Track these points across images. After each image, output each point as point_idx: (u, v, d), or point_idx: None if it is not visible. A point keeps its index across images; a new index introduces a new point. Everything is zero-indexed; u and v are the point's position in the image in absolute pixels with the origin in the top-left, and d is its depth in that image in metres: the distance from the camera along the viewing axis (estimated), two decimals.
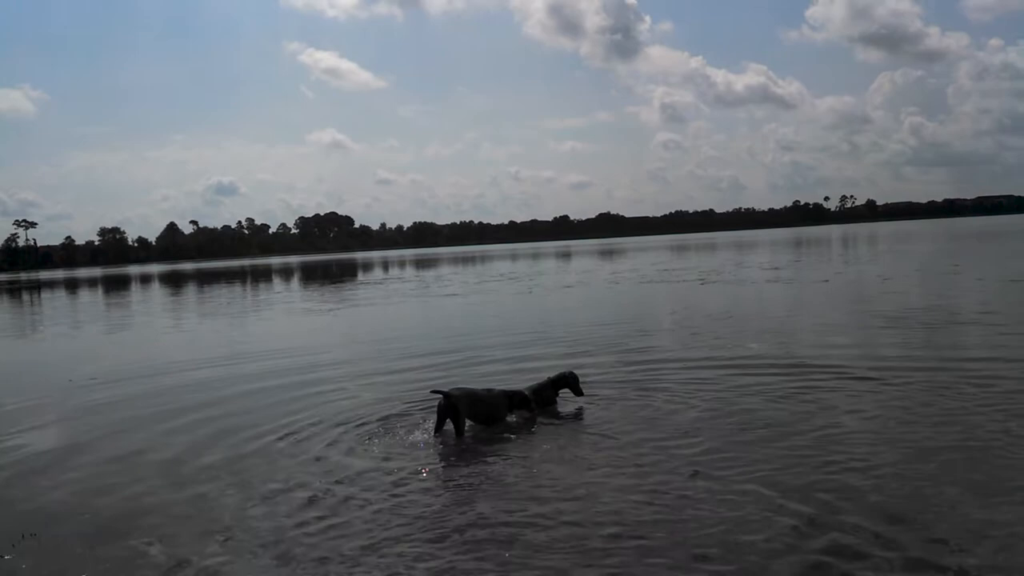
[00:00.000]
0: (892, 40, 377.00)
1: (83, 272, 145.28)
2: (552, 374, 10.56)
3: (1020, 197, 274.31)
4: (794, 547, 5.69)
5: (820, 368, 11.85)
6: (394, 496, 7.15)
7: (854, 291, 26.08)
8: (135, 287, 65.69)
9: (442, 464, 8.20)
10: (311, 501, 7.11)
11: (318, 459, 8.43)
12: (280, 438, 9.38)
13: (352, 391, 12.19)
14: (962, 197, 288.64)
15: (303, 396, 11.86)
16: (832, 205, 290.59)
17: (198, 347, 19.75)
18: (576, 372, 10.60)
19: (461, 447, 8.71)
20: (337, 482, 7.58)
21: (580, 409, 10.06)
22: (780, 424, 8.85)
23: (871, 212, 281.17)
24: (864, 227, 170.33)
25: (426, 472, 7.88)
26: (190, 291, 52.76)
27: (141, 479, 8.16)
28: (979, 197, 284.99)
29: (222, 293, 46.93)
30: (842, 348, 13.75)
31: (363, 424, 9.78)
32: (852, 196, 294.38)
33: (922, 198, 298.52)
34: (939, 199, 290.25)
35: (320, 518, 6.69)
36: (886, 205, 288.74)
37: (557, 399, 10.36)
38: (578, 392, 10.32)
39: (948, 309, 18.99)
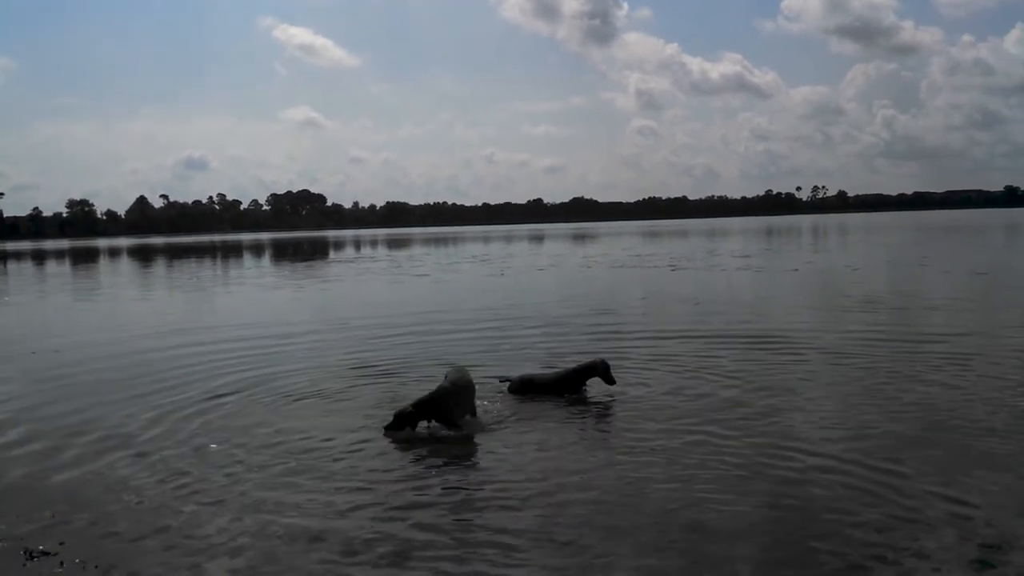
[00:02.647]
0: (866, 33, 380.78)
1: (50, 244, 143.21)
2: (582, 362, 10.10)
3: (988, 192, 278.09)
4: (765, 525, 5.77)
5: (783, 342, 12.10)
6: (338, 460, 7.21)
7: (823, 280, 26.33)
8: (103, 261, 64.89)
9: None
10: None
11: (272, 428, 8.46)
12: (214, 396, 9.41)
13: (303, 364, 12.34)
14: (932, 190, 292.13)
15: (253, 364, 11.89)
16: (804, 195, 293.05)
17: (162, 321, 19.56)
18: (607, 361, 9.96)
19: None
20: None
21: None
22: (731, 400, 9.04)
23: (842, 203, 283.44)
24: (835, 218, 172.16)
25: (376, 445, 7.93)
26: (159, 266, 52.21)
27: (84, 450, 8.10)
28: (948, 191, 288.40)
29: (191, 269, 46.50)
30: (807, 328, 13.95)
31: (289, 395, 10.17)
32: (824, 187, 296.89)
33: (893, 190, 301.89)
34: (909, 192, 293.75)
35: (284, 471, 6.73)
36: (857, 196, 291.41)
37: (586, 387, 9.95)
38: (609, 381, 9.70)
39: (915, 297, 19.31)
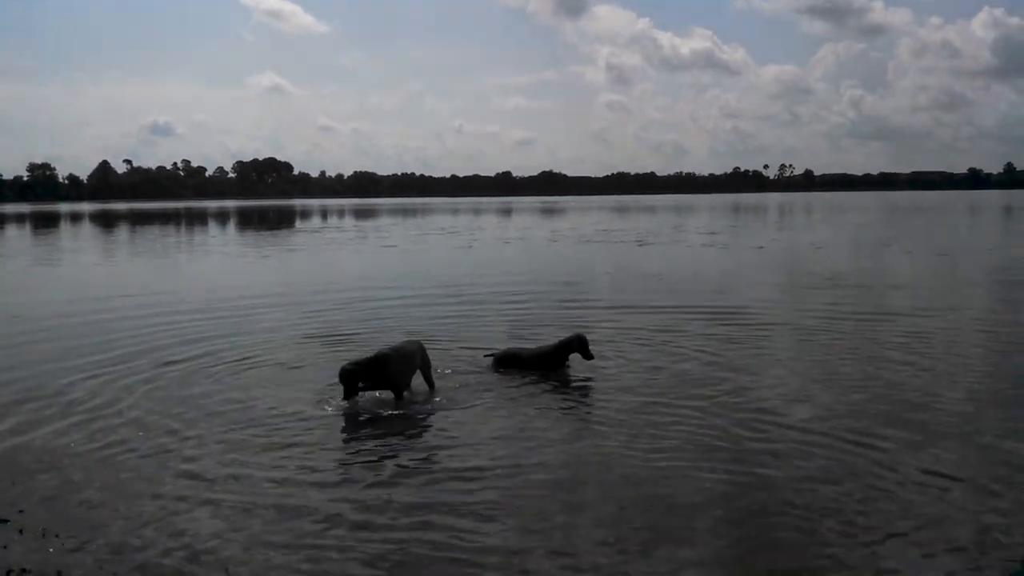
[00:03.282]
0: (836, 13, 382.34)
1: (10, 208, 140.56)
2: (562, 337, 10.01)
3: (952, 174, 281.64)
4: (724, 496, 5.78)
5: (748, 317, 12.19)
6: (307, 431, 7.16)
7: (788, 257, 26.53)
8: (65, 226, 63.78)
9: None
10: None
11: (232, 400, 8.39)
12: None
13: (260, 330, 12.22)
14: (897, 171, 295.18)
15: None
16: (771, 173, 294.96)
17: (118, 288, 19.28)
18: (585, 335, 9.87)
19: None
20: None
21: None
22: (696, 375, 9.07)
23: (809, 182, 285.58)
24: (801, 196, 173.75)
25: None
26: (121, 232, 51.45)
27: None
28: (914, 172, 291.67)
29: (153, 236, 45.89)
30: (771, 304, 14.04)
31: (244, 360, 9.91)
32: (791, 165, 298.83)
33: (859, 170, 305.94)
34: (875, 172, 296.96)
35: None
36: (823, 176, 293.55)
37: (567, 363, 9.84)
38: (587, 356, 9.61)
39: (878, 275, 19.53)
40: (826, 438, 7.04)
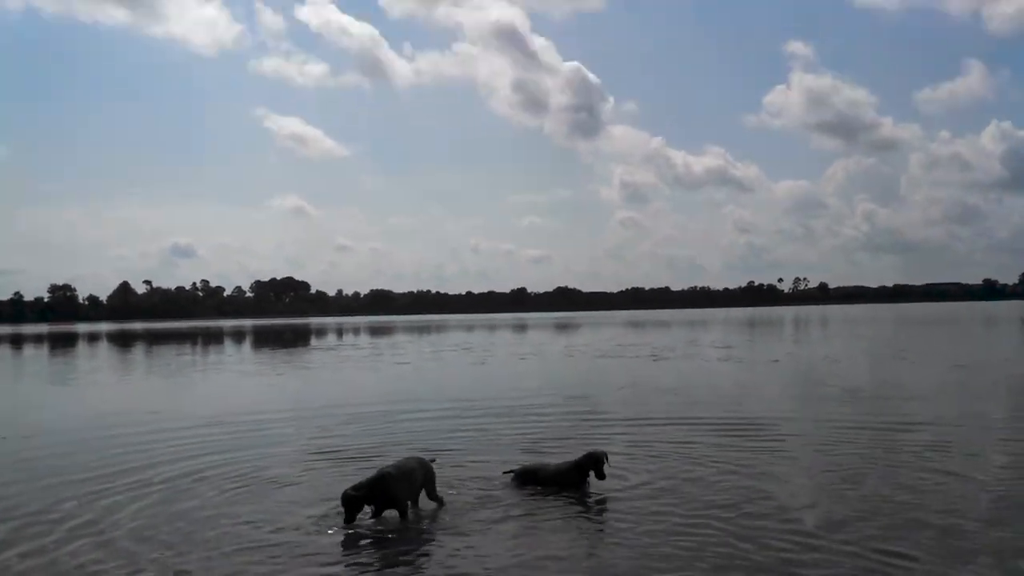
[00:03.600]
0: (847, 129, 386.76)
1: (29, 329, 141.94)
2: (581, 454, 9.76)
3: (967, 285, 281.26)
4: None
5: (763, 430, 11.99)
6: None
7: (803, 370, 26.32)
8: (81, 346, 64.22)
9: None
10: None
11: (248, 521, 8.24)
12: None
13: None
14: (911, 283, 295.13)
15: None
16: (786, 287, 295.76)
17: (129, 407, 19.28)
18: (603, 452, 9.66)
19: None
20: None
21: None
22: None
23: (823, 294, 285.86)
24: (816, 309, 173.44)
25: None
26: (137, 352, 51.75)
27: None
28: (928, 283, 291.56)
29: (169, 355, 46.12)
30: (787, 417, 13.84)
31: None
32: (806, 278, 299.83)
33: (873, 282, 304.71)
34: (889, 284, 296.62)
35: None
36: (838, 288, 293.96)
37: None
38: (599, 475, 9.39)
39: (894, 387, 19.33)
40: (851, 548, 6.92)
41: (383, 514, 8.31)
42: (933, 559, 6.76)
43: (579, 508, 8.70)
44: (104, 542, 7.74)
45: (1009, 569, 6.62)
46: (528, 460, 10.70)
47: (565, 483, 9.47)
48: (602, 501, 8.95)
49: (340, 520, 8.15)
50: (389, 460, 9.39)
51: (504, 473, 9.98)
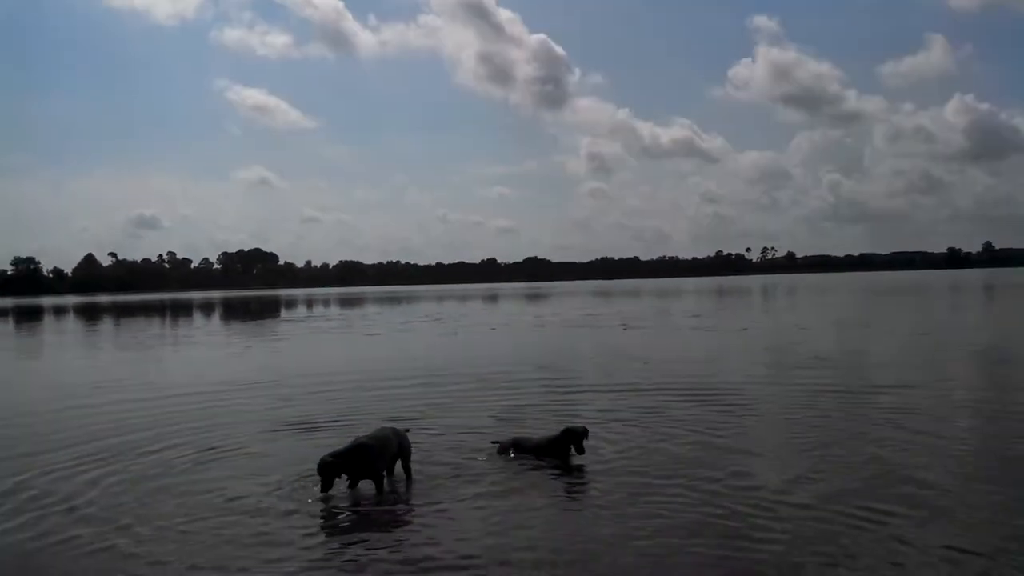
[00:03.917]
0: (812, 101, 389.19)
1: None
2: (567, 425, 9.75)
3: (931, 254, 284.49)
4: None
5: (733, 397, 12.13)
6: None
7: (772, 338, 26.55)
8: (47, 319, 63.32)
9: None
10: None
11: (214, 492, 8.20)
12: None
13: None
14: (877, 252, 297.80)
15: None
16: (754, 256, 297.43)
17: (94, 379, 19.07)
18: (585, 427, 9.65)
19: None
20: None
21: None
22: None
23: (790, 263, 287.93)
24: (784, 278, 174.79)
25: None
26: (104, 325, 51.10)
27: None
28: (893, 252, 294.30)
29: (136, 328, 45.60)
30: (757, 383, 14.00)
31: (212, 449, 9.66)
32: (773, 248, 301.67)
33: (839, 252, 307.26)
34: (855, 253, 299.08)
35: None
36: (805, 257, 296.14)
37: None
38: (578, 450, 9.37)
39: (860, 355, 19.57)
40: (828, 508, 7.05)
41: (358, 485, 8.28)
42: (910, 515, 6.88)
43: (551, 479, 8.70)
44: (46, 516, 7.65)
45: (982, 521, 6.77)
46: (501, 430, 10.74)
47: (547, 455, 9.47)
48: (573, 470, 8.97)
49: (307, 492, 8.12)
50: (360, 431, 9.35)
51: (491, 443, 10.01)
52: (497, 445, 9.89)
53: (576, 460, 9.27)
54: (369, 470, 8.23)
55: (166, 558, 6.46)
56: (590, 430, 9.73)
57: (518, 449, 9.68)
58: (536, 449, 9.60)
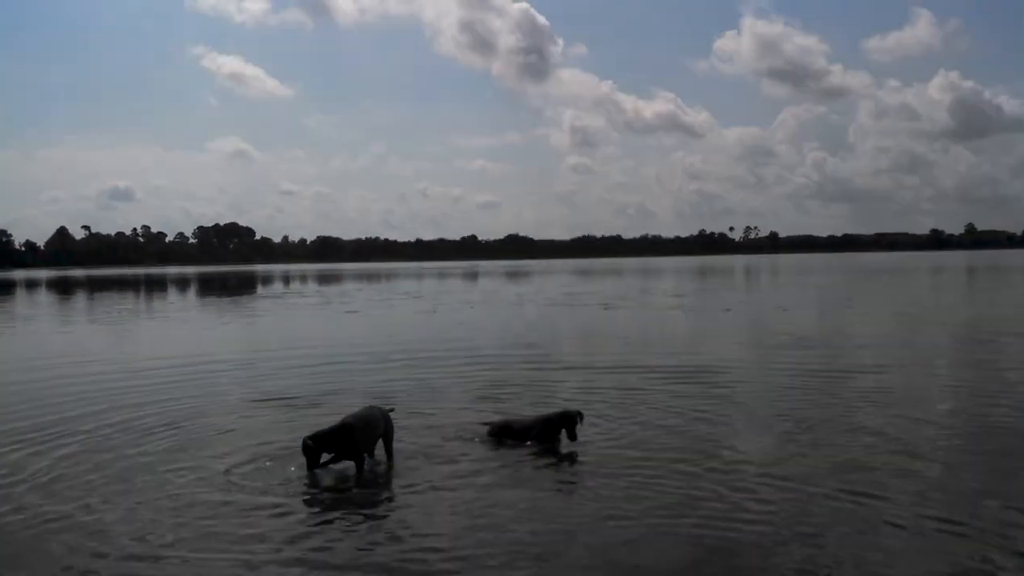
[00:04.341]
0: (797, 76, 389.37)
1: None
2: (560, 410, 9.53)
3: (915, 235, 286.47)
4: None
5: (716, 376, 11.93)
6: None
7: (754, 319, 26.42)
8: (20, 293, 62.48)
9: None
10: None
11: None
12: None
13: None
14: (861, 232, 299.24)
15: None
16: (737, 235, 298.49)
17: (70, 354, 18.59)
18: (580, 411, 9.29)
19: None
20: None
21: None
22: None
23: (774, 243, 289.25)
24: (767, 258, 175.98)
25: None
26: (78, 299, 50.40)
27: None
28: (877, 233, 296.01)
29: (111, 302, 44.98)
30: (738, 364, 13.75)
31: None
32: (756, 227, 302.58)
33: (822, 231, 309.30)
34: (839, 233, 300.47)
35: None
36: (788, 237, 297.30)
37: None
38: (570, 436, 8.96)
39: (841, 336, 19.46)
40: (813, 490, 6.96)
41: (338, 464, 8.00)
42: (891, 494, 6.84)
43: (531, 460, 8.43)
44: (12, 493, 7.39)
45: (963, 496, 6.82)
46: (483, 408, 10.59)
47: (536, 437, 9.16)
48: (557, 450, 8.74)
49: (280, 469, 7.94)
50: (336, 407, 9.07)
51: (482, 424, 9.72)
52: (488, 427, 9.54)
53: (566, 447, 8.86)
54: (352, 451, 7.95)
55: (137, 534, 6.27)
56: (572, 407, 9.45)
57: (507, 432, 9.33)
58: (526, 431, 9.25)
